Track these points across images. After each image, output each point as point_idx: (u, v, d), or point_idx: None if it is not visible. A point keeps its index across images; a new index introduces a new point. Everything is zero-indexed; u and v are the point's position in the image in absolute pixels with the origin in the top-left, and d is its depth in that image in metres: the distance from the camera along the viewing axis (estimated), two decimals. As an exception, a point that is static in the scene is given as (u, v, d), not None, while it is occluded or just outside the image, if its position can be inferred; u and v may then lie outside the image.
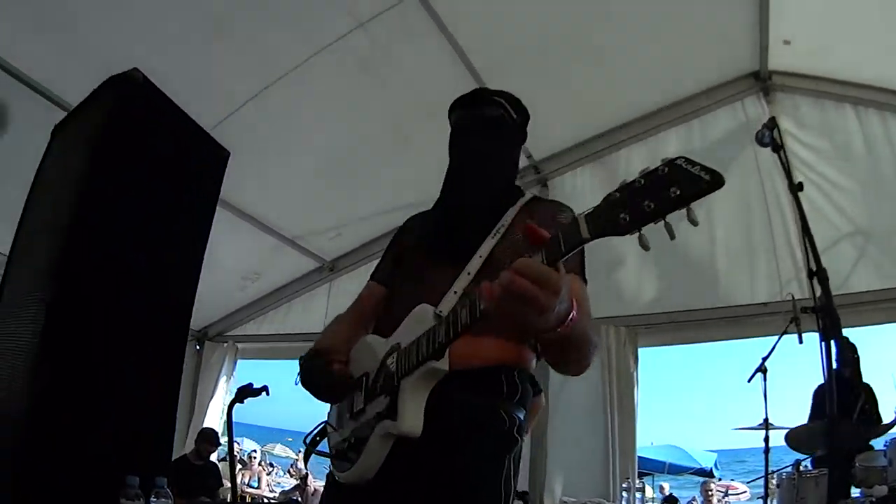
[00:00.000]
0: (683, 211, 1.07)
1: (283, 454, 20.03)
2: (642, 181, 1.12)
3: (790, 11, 4.83)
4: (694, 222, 1.05)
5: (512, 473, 1.72)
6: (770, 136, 2.85)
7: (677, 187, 1.06)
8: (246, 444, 15.13)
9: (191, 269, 2.72)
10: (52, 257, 2.28)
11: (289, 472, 16.50)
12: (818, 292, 2.51)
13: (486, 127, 1.99)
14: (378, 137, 5.67)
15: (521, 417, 1.76)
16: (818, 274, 2.49)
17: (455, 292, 1.71)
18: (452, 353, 1.55)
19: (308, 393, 1.83)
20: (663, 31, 5.02)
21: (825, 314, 2.38)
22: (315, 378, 1.78)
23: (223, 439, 6.84)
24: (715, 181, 1.03)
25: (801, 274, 5.13)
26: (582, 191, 6.08)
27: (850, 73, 5.14)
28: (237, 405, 3.34)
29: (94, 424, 2.20)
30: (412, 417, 1.57)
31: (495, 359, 1.73)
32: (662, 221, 1.09)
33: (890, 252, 4.87)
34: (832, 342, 2.44)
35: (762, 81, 5.49)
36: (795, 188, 2.76)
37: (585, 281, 1.78)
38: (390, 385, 1.65)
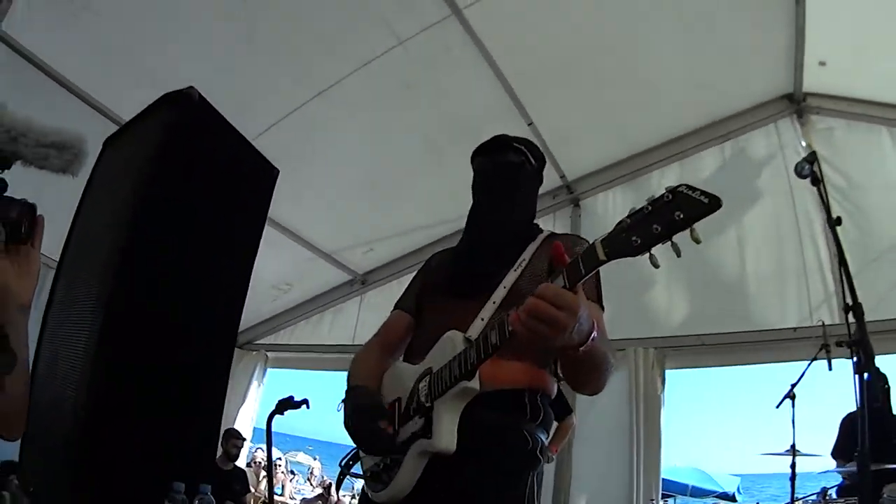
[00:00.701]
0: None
1: (305, 462, 20.07)
2: (649, 207, 1.27)
3: (826, 33, 4.81)
4: (697, 241, 1.21)
5: (535, 492, 1.81)
6: (810, 170, 2.87)
7: (681, 211, 1.22)
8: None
9: (240, 281, 2.80)
10: (110, 263, 2.34)
11: (308, 480, 16.55)
12: (852, 325, 2.50)
13: (509, 173, 2.15)
14: (412, 155, 5.75)
15: (543, 439, 1.88)
16: (854, 308, 2.49)
17: (482, 319, 1.84)
18: (480, 375, 1.67)
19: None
20: (698, 52, 5.04)
21: (859, 348, 2.38)
22: (361, 433, 1.84)
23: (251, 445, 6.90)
24: (712, 204, 1.19)
25: (831, 300, 5.10)
26: (613, 211, 6.08)
27: (886, 95, 5.10)
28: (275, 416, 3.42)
29: (145, 428, 2.27)
30: (447, 435, 1.68)
31: (520, 382, 1.84)
32: (669, 242, 1.25)
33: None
34: (865, 376, 2.43)
35: (796, 103, 5.46)
36: (834, 223, 2.76)
37: (602, 307, 1.93)
38: (424, 406, 1.75)
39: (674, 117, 5.76)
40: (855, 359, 2.42)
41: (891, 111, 5.10)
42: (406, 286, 2.32)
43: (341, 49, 4.63)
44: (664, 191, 1.25)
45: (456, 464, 1.69)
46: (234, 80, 4.34)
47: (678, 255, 1.25)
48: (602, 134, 5.89)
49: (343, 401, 1.94)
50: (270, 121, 4.70)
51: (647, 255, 1.28)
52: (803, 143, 5.45)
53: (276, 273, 7.03)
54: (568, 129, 5.51)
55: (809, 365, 4.28)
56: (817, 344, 4.50)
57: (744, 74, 5.40)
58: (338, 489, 2.25)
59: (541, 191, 2.29)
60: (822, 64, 5.10)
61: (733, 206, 5.36)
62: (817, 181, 2.86)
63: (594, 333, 1.50)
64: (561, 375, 1.90)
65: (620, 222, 1.32)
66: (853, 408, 5.09)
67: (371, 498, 1.86)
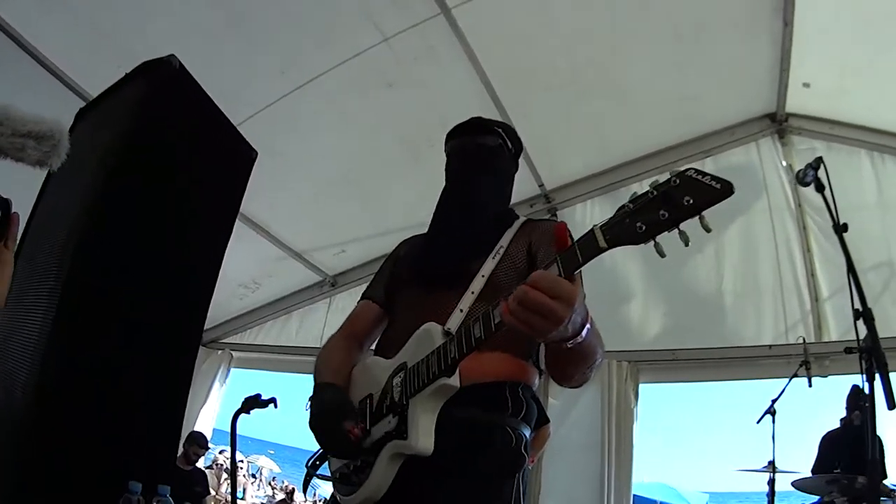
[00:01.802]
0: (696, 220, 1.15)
1: (268, 466, 19.87)
2: (655, 192, 1.19)
3: (812, 54, 4.83)
4: (707, 229, 1.14)
5: (522, 493, 1.71)
6: (814, 176, 2.84)
7: (690, 196, 1.13)
8: (230, 454, 15.01)
9: (209, 272, 2.63)
10: (67, 248, 2.19)
11: (270, 484, 16.40)
12: (862, 333, 2.47)
13: (487, 155, 2.07)
14: (391, 155, 5.64)
15: (527, 435, 1.76)
16: (864, 314, 2.45)
17: (461, 310, 1.74)
18: (460, 370, 1.56)
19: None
20: (684, 67, 5.02)
21: (871, 355, 2.35)
22: (325, 436, 1.72)
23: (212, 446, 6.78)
24: (725, 189, 1.11)
25: (807, 318, 5.15)
26: (591, 221, 6.00)
27: (868, 118, 5.14)
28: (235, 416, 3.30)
29: (100, 422, 2.13)
30: (424, 435, 1.56)
31: (499, 374, 1.74)
32: (676, 230, 1.16)
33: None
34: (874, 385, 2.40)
35: (778, 123, 5.49)
36: (840, 229, 2.73)
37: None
38: (398, 404, 1.63)
39: (656, 130, 5.74)
40: (865, 365, 2.37)
41: (871, 135, 5.15)
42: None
43: (325, 43, 4.53)
44: (669, 175, 1.18)
45: (433, 466, 1.58)
46: (215, 67, 4.12)
47: (686, 244, 1.16)
48: (583, 144, 5.85)
49: (309, 399, 1.83)
50: (248, 112, 4.57)
51: (652, 243, 1.20)
52: (784, 163, 5.49)
53: (244, 270, 6.88)
54: (549, 137, 5.47)
55: (790, 381, 4.29)
56: (792, 361, 4.54)
57: (727, 92, 5.42)
58: (304, 490, 2.15)
59: (518, 199, 2.22)
60: (806, 85, 5.14)
61: (711, 221, 5.29)
62: (822, 187, 2.83)
63: (587, 325, 1.39)
64: (543, 367, 1.80)
65: (622, 207, 1.24)
66: (828, 425, 5.19)
67: (340, 502, 1.75)
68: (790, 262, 5.35)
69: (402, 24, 4.42)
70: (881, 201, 5.06)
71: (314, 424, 1.74)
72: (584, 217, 6.11)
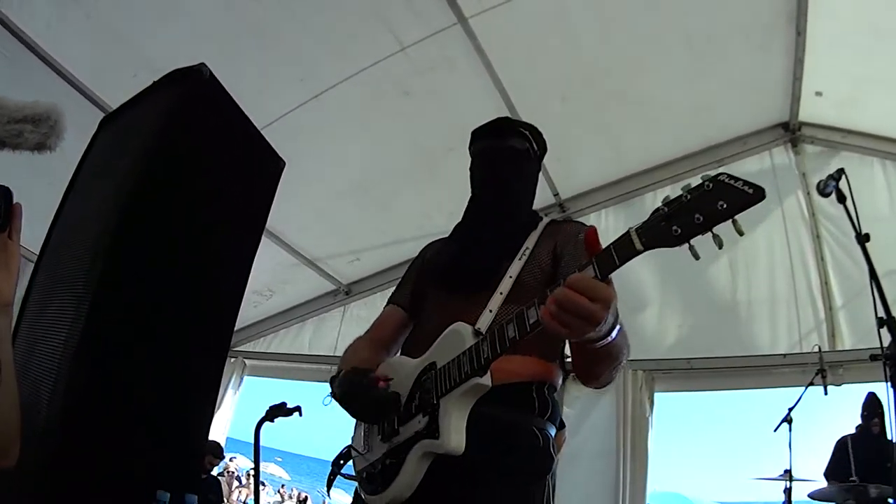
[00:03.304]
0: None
1: (276, 474, 19.88)
2: (689, 196, 1.22)
3: (824, 63, 4.84)
4: (740, 232, 1.17)
5: (552, 494, 1.73)
6: (835, 186, 2.86)
7: (724, 201, 1.17)
8: (241, 462, 15.06)
9: (237, 283, 2.62)
10: (97, 256, 2.14)
11: (279, 492, 16.39)
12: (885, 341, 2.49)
13: (514, 159, 2.09)
14: (406, 164, 5.68)
15: (553, 434, 1.79)
16: (888, 322, 2.47)
17: (490, 311, 1.76)
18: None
19: (345, 410, 1.80)
20: (698, 77, 5.04)
21: (894, 362, 2.36)
22: (360, 395, 1.74)
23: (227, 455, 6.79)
24: (757, 194, 1.15)
25: (821, 327, 5.14)
26: (606, 231, 6.02)
27: (881, 127, 5.15)
28: (252, 423, 3.30)
29: (127, 436, 2.11)
30: (456, 434, 1.57)
31: (526, 374, 1.76)
32: (710, 233, 1.20)
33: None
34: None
35: (791, 132, 5.50)
36: (863, 239, 2.75)
37: None
38: (429, 404, 1.64)
39: (670, 140, 5.76)
40: (890, 372, 2.38)
41: (884, 144, 5.16)
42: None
43: (343, 52, 4.57)
44: (701, 180, 1.21)
45: (462, 467, 1.60)
46: (233, 76, 4.14)
47: (720, 246, 1.20)
48: (597, 153, 5.87)
49: (330, 381, 1.85)
50: (266, 120, 4.60)
51: (687, 245, 1.24)
52: (797, 172, 5.49)
53: (258, 277, 6.86)
54: (564, 146, 5.48)
55: (806, 390, 4.30)
56: (807, 370, 4.54)
57: (741, 101, 5.43)
58: (329, 488, 2.15)
59: (533, 207, 2.23)
60: (819, 94, 5.15)
61: (726, 230, 5.29)
62: (843, 198, 2.84)
63: (618, 326, 1.44)
64: (569, 367, 1.80)
65: (657, 210, 1.27)
66: (844, 433, 5.18)
67: (366, 501, 1.76)
68: (804, 270, 5.36)
69: (419, 33, 4.46)
70: (894, 209, 5.06)
71: (342, 394, 1.77)
72: (599, 226, 6.05)
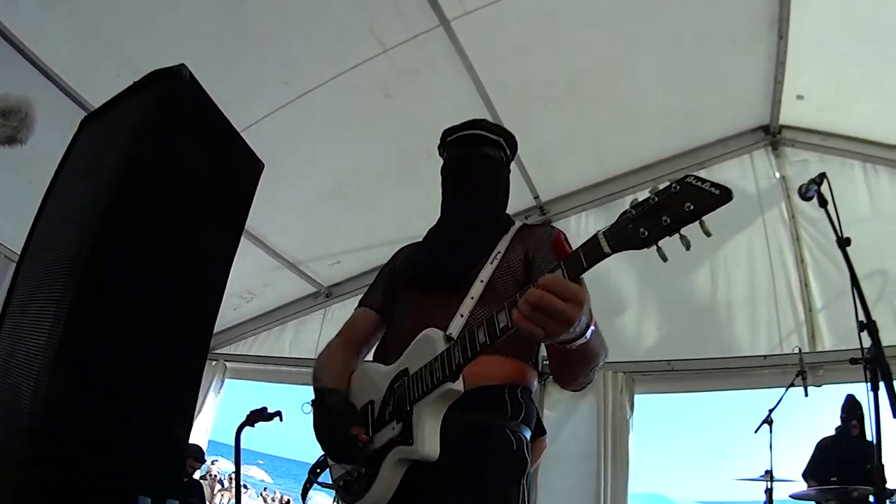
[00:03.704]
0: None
1: (259, 477, 19.79)
2: (656, 198, 1.23)
3: (806, 67, 4.89)
4: (707, 233, 1.17)
5: (527, 497, 1.72)
6: (816, 191, 2.87)
7: (691, 202, 1.17)
8: (223, 465, 14.97)
9: (216, 285, 2.57)
10: (77, 258, 2.10)
11: (261, 495, 16.33)
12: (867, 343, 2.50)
13: (487, 167, 2.09)
14: (387, 166, 5.66)
15: (527, 437, 1.79)
16: (868, 326, 2.48)
17: (461, 315, 1.75)
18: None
19: (316, 439, 1.80)
20: (679, 80, 5.07)
21: (875, 365, 2.37)
22: (333, 442, 1.76)
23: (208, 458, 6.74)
24: (724, 195, 1.15)
25: (801, 329, 5.17)
26: (586, 233, 6.01)
27: (862, 130, 5.20)
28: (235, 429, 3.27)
29: (108, 440, 2.07)
30: (430, 440, 1.57)
31: (499, 377, 1.75)
32: (678, 234, 1.20)
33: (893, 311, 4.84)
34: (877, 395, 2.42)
35: (772, 136, 5.55)
36: (844, 243, 2.76)
37: None
38: (402, 411, 1.64)
39: (650, 143, 5.78)
40: (870, 374, 2.39)
41: (865, 147, 5.21)
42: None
43: (326, 54, 4.55)
44: (669, 182, 1.22)
45: (437, 471, 1.59)
46: (215, 77, 4.10)
47: (687, 248, 1.21)
48: (578, 156, 5.88)
49: (311, 403, 1.84)
50: (248, 121, 4.56)
51: (655, 248, 1.24)
52: (777, 175, 5.53)
53: (238, 280, 6.83)
54: (545, 148, 5.48)
55: (786, 391, 4.32)
56: (787, 371, 4.57)
57: (722, 104, 5.47)
58: (304, 497, 2.14)
59: (513, 210, 2.24)
60: (800, 98, 5.19)
61: (696, 233, 5.33)
62: (824, 202, 2.85)
63: (592, 327, 1.43)
64: (546, 370, 1.82)
65: (624, 213, 1.28)
66: (824, 434, 5.22)
67: None
68: (784, 272, 5.40)
69: (402, 35, 4.44)
70: (874, 212, 5.12)
71: (320, 430, 1.76)
72: (579, 229, 6.13)
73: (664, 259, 1.23)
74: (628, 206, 1.27)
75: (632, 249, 1.26)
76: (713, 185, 1.16)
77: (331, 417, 1.76)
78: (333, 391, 1.82)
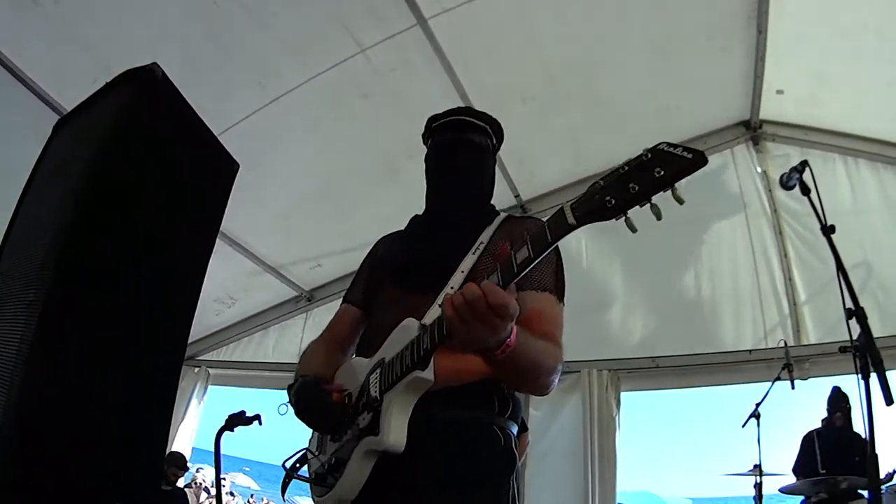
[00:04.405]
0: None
1: (245, 483, 19.67)
2: (626, 167, 1.18)
3: (785, 62, 4.89)
4: (680, 200, 1.12)
5: (516, 494, 1.68)
6: (798, 179, 2.84)
7: (661, 168, 1.12)
8: (209, 472, 14.83)
9: (191, 287, 2.53)
10: (48, 261, 2.06)
11: (248, 501, 16.23)
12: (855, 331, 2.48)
13: (473, 154, 2.04)
14: (367, 168, 5.60)
15: (514, 432, 1.75)
16: (857, 313, 2.45)
17: (439, 305, 1.69)
18: (440, 370, 1.52)
19: (301, 421, 1.77)
20: (659, 76, 5.06)
21: (866, 353, 2.33)
22: (314, 408, 1.71)
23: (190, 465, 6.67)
24: (697, 159, 1.10)
25: (786, 322, 5.18)
26: (568, 232, 6.02)
27: (842, 124, 5.21)
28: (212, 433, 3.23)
29: (83, 448, 2.03)
30: (396, 431, 1.52)
31: (482, 373, 1.68)
32: (648, 204, 1.14)
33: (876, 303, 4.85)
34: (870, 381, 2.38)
35: (752, 130, 5.56)
36: (828, 231, 2.74)
37: (562, 301, 1.80)
38: (373, 400, 1.59)
39: (631, 139, 5.69)
40: (861, 363, 2.35)
41: (845, 140, 5.24)
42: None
43: (302, 54, 4.48)
44: (642, 150, 1.17)
45: (414, 467, 1.56)
46: (191, 80, 4.06)
47: (658, 217, 1.15)
48: (558, 153, 5.85)
49: (288, 389, 1.81)
50: (226, 124, 4.49)
51: (623, 218, 1.19)
52: (759, 170, 5.54)
53: (220, 286, 6.76)
54: (525, 147, 5.45)
55: (773, 385, 4.32)
56: (773, 365, 4.57)
57: (702, 100, 5.48)
58: (283, 493, 2.10)
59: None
60: (780, 92, 5.19)
61: (689, 229, 5.40)
62: (807, 190, 2.82)
63: (509, 340, 1.39)
64: None
65: (594, 184, 1.23)
66: (811, 427, 5.24)
67: (316, 502, 1.72)
68: (767, 267, 5.41)
69: (379, 35, 4.39)
70: (855, 205, 5.14)
71: (296, 401, 1.73)
72: (560, 228, 6.09)
73: (633, 230, 1.18)
74: (599, 178, 1.23)
75: (599, 221, 1.21)
76: (685, 149, 1.12)
77: (303, 386, 1.75)
78: (307, 375, 1.81)
